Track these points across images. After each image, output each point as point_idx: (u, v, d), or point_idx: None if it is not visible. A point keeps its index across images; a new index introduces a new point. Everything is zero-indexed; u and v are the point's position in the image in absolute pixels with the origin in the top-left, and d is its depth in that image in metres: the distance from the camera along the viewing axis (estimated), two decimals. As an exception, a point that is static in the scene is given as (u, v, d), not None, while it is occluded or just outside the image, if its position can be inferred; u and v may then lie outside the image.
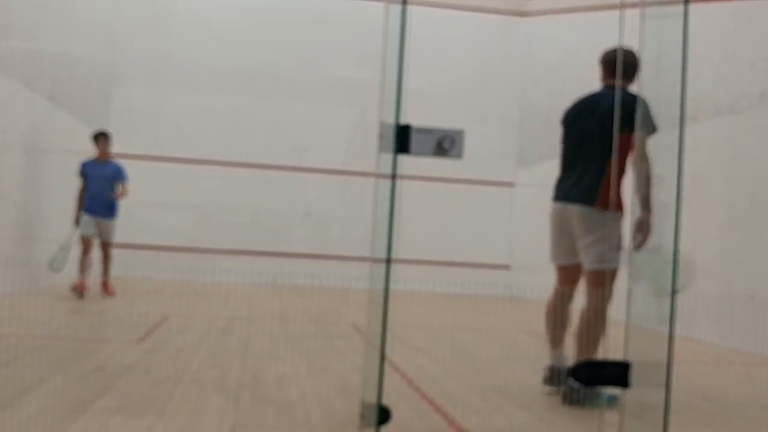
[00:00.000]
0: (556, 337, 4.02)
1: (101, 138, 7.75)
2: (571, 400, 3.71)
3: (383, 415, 2.59)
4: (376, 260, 2.64)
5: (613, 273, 3.80)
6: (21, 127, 7.43)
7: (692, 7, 2.42)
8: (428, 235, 11.25)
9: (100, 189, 7.64)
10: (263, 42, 11.41)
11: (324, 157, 11.50)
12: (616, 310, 3.11)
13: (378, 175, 2.69)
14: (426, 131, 2.52)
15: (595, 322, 3.77)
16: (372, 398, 2.56)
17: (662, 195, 2.51)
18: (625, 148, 3.75)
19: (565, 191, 4.08)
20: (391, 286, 2.52)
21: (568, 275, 4.10)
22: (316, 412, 3.32)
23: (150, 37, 11.06)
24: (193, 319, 6.76)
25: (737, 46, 7.22)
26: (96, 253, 7.76)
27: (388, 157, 2.53)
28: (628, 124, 3.56)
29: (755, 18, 7.02)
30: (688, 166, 2.43)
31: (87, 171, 7.69)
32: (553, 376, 3.92)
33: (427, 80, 11.05)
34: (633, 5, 2.70)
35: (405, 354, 5.07)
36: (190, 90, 11.15)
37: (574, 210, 3.96)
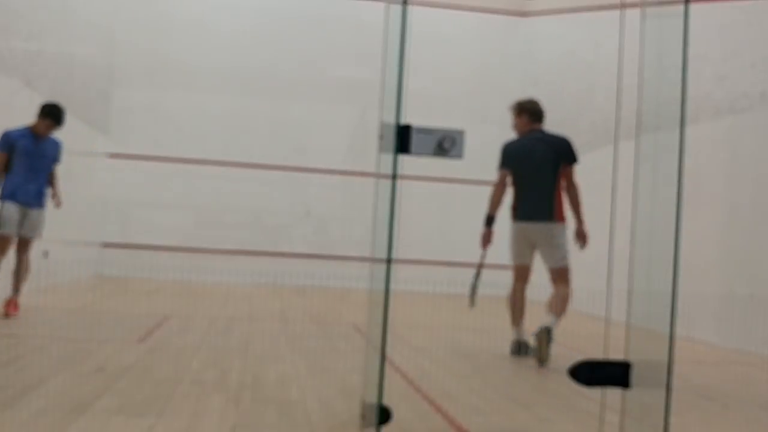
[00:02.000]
0: (516, 318, 5.31)
1: (54, 114, 6.04)
2: (519, 351, 5.17)
3: (384, 415, 2.59)
4: (376, 260, 2.64)
5: (568, 268, 5.19)
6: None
7: (692, 7, 2.42)
8: (428, 235, 11.25)
9: (34, 169, 5.95)
10: (263, 42, 11.42)
11: (324, 157, 11.49)
12: (616, 310, 3.13)
13: (378, 175, 2.69)
14: (426, 131, 2.52)
15: (564, 299, 5.10)
16: (372, 398, 2.56)
17: (662, 195, 2.51)
18: (566, 175, 5.24)
19: (527, 212, 5.33)
20: (391, 286, 2.52)
21: (525, 273, 5.42)
22: (316, 412, 3.32)
23: (150, 38, 11.06)
24: (193, 319, 6.76)
25: (737, 46, 7.22)
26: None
27: (388, 157, 2.53)
28: (566, 158, 5.23)
29: (755, 18, 7.02)
30: (688, 166, 2.42)
31: (17, 144, 5.90)
32: (520, 347, 5.20)
33: (427, 80, 11.05)
34: (633, 5, 2.70)
35: (405, 354, 5.07)
36: (190, 90, 11.15)
37: (538, 225, 5.26)
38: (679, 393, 2.78)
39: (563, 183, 5.24)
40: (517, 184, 5.42)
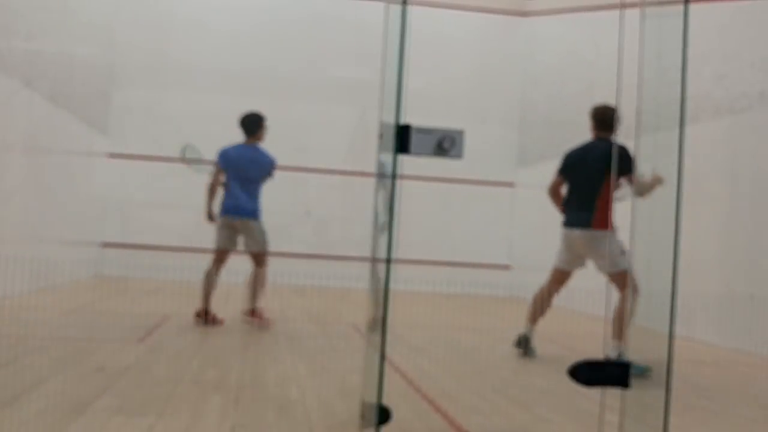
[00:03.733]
0: (535, 316, 5.37)
1: (243, 124, 6.24)
2: (519, 345, 5.30)
3: (383, 415, 2.59)
4: (376, 260, 2.64)
5: (622, 273, 4.84)
6: (21, 127, 7.43)
7: (692, 7, 2.42)
8: (428, 235, 11.25)
9: (246, 181, 6.15)
10: (263, 42, 11.41)
11: (324, 157, 11.49)
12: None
13: (378, 175, 2.69)
14: (426, 131, 2.52)
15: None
16: (372, 398, 2.56)
17: (662, 195, 2.51)
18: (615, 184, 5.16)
19: (570, 219, 5.33)
20: (391, 286, 2.52)
21: (561, 278, 5.43)
22: (316, 412, 3.32)
23: (150, 37, 11.05)
24: (193, 319, 6.75)
25: (737, 46, 7.22)
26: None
27: (388, 157, 2.53)
28: (618, 168, 4.98)
29: (755, 18, 7.01)
30: (688, 166, 2.43)
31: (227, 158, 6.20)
32: (520, 341, 5.32)
33: (427, 80, 11.05)
34: (633, 5, 2.70)
35: (405, 354, 5.07)
36: (190, 90, 11.14)
37: (580, 232, 5.24)
38: (678, 393, 2.79)
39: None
40: (568, 191, 5.46)
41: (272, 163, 6.22)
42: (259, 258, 6.18)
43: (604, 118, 5.30)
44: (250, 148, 6.17)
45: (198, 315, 6.04)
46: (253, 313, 6.04)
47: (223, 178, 6.19)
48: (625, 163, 4.68)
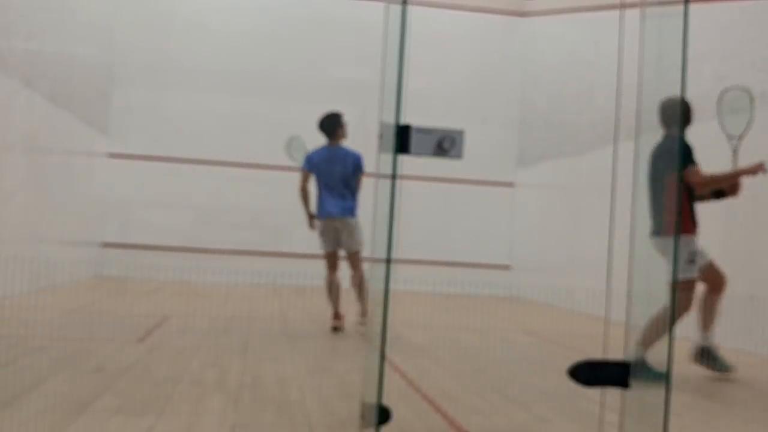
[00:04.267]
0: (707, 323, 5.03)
1: (321, 126, 6.35)
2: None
3: (383, 415, 2.59)
4: (376, 260, 2.64)
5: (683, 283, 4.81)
6: (21, 127, 7.43)
7: (692, 7, 2.42)
8: (428, 235, 11.25)
9: (334, 181, 6.25)
10: (263, 42, 11.41)
11: (324, 157, 11.48)
12: (616, 310, 3.14)
13: (378, 175, 2.69)
14: (426, 131, 2.52)
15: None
16: (372, 398, 2.56)
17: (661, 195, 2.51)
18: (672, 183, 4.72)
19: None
20: (391, 286, 2.52)
21: (705, 282, 5.10)
22: (316, 412, 3.32)
23: (150, 38, 11.06)
24: (193, 319, 6.76)
25: (737, 46, 7.22)
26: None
27: (388, 157, 2.53)
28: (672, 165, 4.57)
29: (755, 18, 7.01)
30: (688, 166, 2.42)
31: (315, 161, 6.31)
32: (704, 353, 4.99)
33: (427, 80, 11.05)
34: (633, 5, 2.70)
35: (405, 354, 5.07)
36: (190, 90, 11.14)
37: (652, 240, 5.04)
38: (678, 393, 2.79)
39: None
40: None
41: (357, 158, 6.29)
42: (355, 259, 6.24)
43: (663, 113, 5.12)
44: (333, 149, 6.29)
45: (336, 322, 6.14)
46: (365, 314, 6.06)
47: (311, 182, 6.31)
48: (682, 158, 4.47)
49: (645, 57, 2.51)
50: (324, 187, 6.24)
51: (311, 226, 6.35)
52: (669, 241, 4.62)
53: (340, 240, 6.23)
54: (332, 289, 6.20)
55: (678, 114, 4.83)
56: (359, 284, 6.13)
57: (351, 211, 6.23)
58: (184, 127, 11.18)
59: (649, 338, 4.68)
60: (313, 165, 6.29)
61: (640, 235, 2.57)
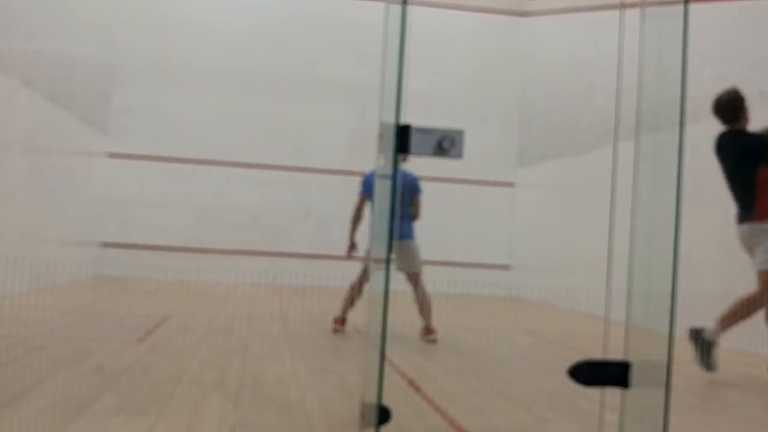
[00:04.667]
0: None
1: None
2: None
3: (383, 415, 2.59)
4: (376, 260, 2.64)
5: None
6: (21, 127, 7.43)
7: (692, 7, 2.42)
8: (428, 235, 11.22)
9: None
10: (263, 42, 11.41)
11: (324, 157, 11.49)
12: (616, 310, 3.14)
13: (378, 175, 2.69)
14: (426, 131, 2.52)
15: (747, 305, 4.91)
16: (372, 398, 2.56)
17: (662, 195, 2.51)
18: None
19: (737, 215, 5.16)
20: (391, 286, 2.52)
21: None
22: (316, 412, 3.32)
23: (150, 37, 11.06)
24: (193, 319, 6.76)
25: (737, 46, 7.22)
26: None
27: (388, 157, 2.53)
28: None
29: (755, 18, 7.01)
30: (688, 166, 2.42)
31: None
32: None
33: (427, 80, 11.05)
34: (633, 5, 2.70)
35: (405, 354, 5.07)
36: (190, 90, 11.14)
37: (739, 228, 5.11)
38: (678, 393, 2.79)
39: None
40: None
41: (413, 180, 6.08)
42: (414, 278, 6.12)
43: (715, 109, 5.34)
44: None
45: (338, 326, 6.09)
46: (429, 331, 5.95)
47: (365, 206, 6.12)
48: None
49: (645, 57, 2.51)
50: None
51: (348, 254, 6.17)
52: (764, 227, 4.93)
53: (398, 262, 6.02)
54: (352, 293, 6.08)
55: (744, 107, 5.26)
56: (421, 302, 6.07)
57: (409, 234, 6.12)
58: (184, 127, 11.18)
59: (727, 322, 4.82)
60: (370, 188, 5.99)
61: (640, 234, 2.57)
